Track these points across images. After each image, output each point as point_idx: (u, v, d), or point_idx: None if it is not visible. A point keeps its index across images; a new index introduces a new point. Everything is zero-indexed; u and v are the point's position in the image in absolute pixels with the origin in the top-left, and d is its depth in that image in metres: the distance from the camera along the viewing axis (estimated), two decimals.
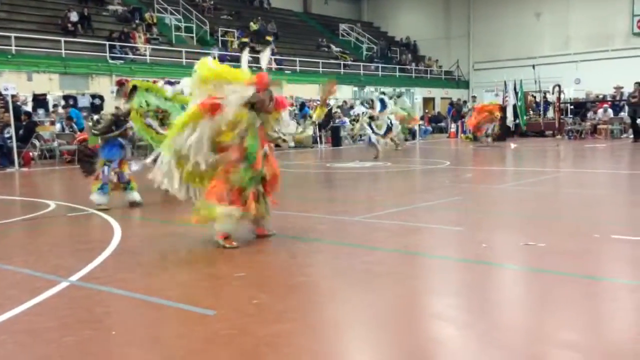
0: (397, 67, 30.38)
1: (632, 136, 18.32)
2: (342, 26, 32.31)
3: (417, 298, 3.70)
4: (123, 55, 19.85)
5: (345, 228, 5.91)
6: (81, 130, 14.64)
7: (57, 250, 5.23)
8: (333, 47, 29.58)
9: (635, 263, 4.44)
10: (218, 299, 3.66)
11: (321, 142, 20.98)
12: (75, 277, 4.13)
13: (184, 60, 21.39)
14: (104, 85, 18.41)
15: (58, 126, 15.83)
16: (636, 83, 18.53)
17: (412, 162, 14.02)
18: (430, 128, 25.10)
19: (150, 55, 20.58)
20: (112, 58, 19.39)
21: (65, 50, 18.35)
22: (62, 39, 18.54)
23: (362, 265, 4.43)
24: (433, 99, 30.64)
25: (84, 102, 17.78)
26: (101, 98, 17.66)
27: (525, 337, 3.02)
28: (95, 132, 7.51)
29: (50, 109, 17.03)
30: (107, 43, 19.50)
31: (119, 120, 7.44)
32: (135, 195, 7.50)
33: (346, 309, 3.49)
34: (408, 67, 31.01)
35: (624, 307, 3.51)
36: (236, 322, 3.24)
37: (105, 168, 7.31)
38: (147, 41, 21.26)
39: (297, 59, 25.30)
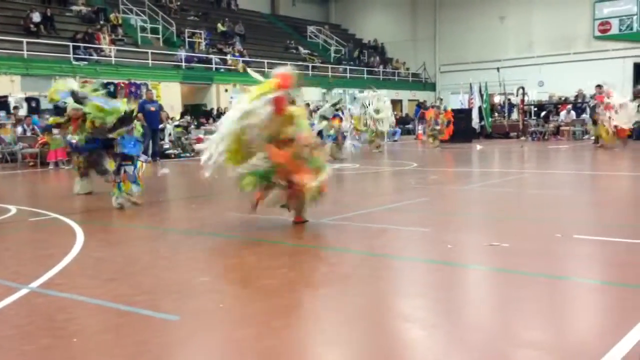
0: (365, 69, 30.55)
1: (593, 138, 18.76)
2: (310, 28, 32.36)
3: (383, 299, 3.71)
4: (87, 57, 19.51)
5: (311, 230, 5.91)
6: (45, 132, 14.37)
7: (18, 256, 5.10)
8: (301, 49, 29.60)
9: (596, 262, 4.54)
10: (182, 304, 3.61)
11: None
12: (35, 284, 4.03)
13: (150, 61, 21.15)
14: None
15: (20, 129, 15.46)
16: (597, 85, 18.99)
17: (380, 164, 14.10)
18: (399, 129, 25.31)
19: (115, 57, 20.28)
20: (76, 59, 19.05)
21: (27, 51, 17.97)
22: (24, 40, 18.14)
23: (328, 267, 4.43)
24: (401, 101, 30.90)
25: (47, 104, 17.38)
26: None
27: (490, 336, 3.06)
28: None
29: (11, 110, 16.62)
30: (71, 44, 19.15)
31: (126, 118, 7.57)
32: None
33: (313, 312, 3.48)
34: (376, 69, 31.22)
35: (585, 305, 3.58)
36: (201, 327, 3.20)
37: (129, 167, 7.31)
38: (112, 42, 20.94)
39: (265, 60, 25.22)
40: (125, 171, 7.28)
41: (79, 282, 4.14)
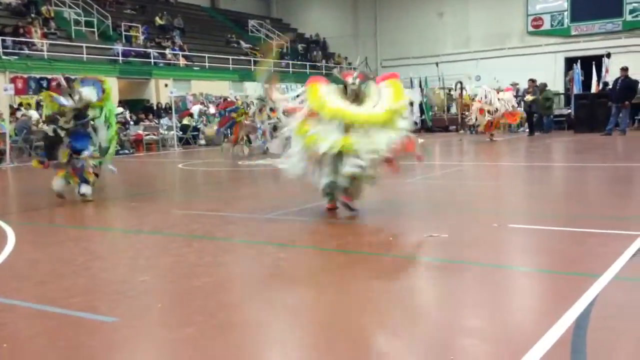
0: (308, 64, 30.56)
1: (527, 130, 19.41)
2: (252, 22, 32.08)
3: (326, 293, 3.72)
4: (17, 51, 18.69)
5: (255, 226, 5.86)
6: None
7: None
8: (243, 43, 29.31)
9: (530, 250, 4.69)
10: (120, 305, 3.51)
11: None
12: None
13: (84, 55, 20.46)
14: None
15: None
16: (530, 80, 19.66)
17: None
18: None
19: (47, 51, 19.50)
20: (5, 54, 18.20)
21: None
22: None
23: (271, 263, 4.40)
24: None
25: None
26: None
27: (431, 325, 3.11)
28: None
29: None
30: (0, 38, 18.30)
31: (80, 112, 7.51)
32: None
33: (255, 309, 3.45)
34: (319, 64, 31.27)
35: (520, 293, 3.70)
36: (139, 328, 3.12)
37: (80, 161, 7.39)
38: (44, 36, 20.14)
39: (206, 55, 24.86)
40: (73, 165, 7.41)
41: (10, 285, 3.96)
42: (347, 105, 5.76)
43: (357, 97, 5.89)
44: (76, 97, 7.54)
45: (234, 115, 15.73)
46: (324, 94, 5.79)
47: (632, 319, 3.06)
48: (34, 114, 16.96)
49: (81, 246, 5.13)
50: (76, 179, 7.55)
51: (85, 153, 7.52)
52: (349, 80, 5.97)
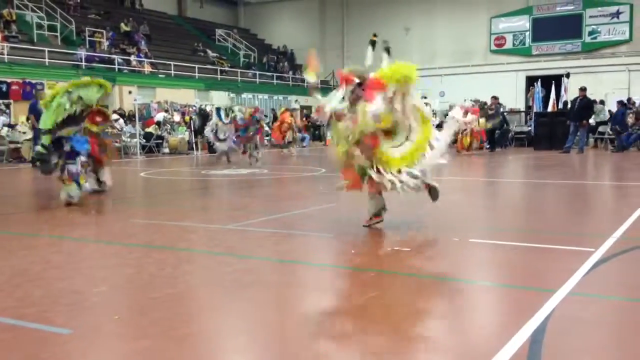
0: (275, 74, 30.57)
1: (488, 146, 19.79)
2: (219, 31, 31.97)
3: (288, 306, 3.70)
4: None
5: (216, 237, 5.81)
6: None
7: None
8: (209, 52, 29.17)
9: (490, 265, 4.77)
10: (75, 316, 3.42)
11: (197, 149, 20.57)
12: None
13: (46, 60, 20.08)
14: None
15: None
16: (493, 97, 20.09)
17: (288, 170, 14.14)
18: (308, 136, 25.52)
19: (8, 54, 19.09)
20: None
21: None
22: None
23: (232, 274, 4.36)
24: (310, 107, 31.17)
25: None
26: None
27: (388, 337, 3.12)
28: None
29: None
30: None
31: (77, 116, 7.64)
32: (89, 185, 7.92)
33: (214, 320, 3.41)
34: (285, 75, 31.32)
35: (479, 307, 3.75)
36: (94, 340, 3.05)
37: (76, 165, 7.53)
38: (5, 39, 19.70)
39: (172, 62, 24.65)
40: (68, 170, 7.50)
41: None
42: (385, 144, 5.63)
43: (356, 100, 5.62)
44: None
45: (261, 122, 15.74)
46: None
47: (587, 334, 3.13)
48: None
49: (37, 255, 4.99)
50: (71, 182, 7.57)
51: (82, 159, 7.68)
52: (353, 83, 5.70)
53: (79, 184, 7.62)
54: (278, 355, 2.91)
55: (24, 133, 16.37)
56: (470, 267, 4.72)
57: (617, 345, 3.03)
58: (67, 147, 7.58)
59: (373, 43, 6.39)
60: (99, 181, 8.70)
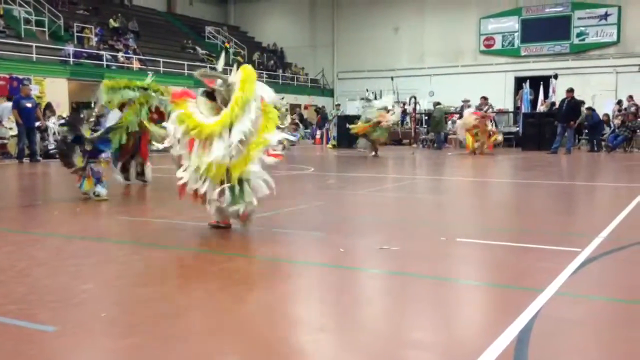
0: (265, 72, 30.51)
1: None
2: (208, 28, 31.85)
3: (275, 304, 3.69)
4: None
5: (205, 234, 5.78)
6: None
7: None
8: (199, 49, 29.04)
9: (476, 264, 4.78)
10: (61, 313, 3.39)
11: None
12: None
13: (34, 55, 19.90)
14: None
15: None
16: (482, 97, 20.16)
17: (276, 168, 14.08)
18: (297, 134, 25.48)
19: None
20: None
21: None
22: None
23: (220, 272, 4.35)
24: (299, 106, 31.18)
25: None
26: None
27: (378, 338, 3.12)
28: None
29: None
30: None
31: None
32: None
33: (202, 319, 3.39)
34: (275, 73, 31.27)
35: (466, 306, 3.76)
36: (80, 337, 3.03)
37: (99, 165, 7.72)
38: None
39: (161, 59, 24.52)
40: (91, 169, 7.62)
41: None
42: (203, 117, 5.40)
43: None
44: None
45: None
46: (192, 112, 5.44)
47: (573, 334, 3.15)
48: None
49: (22, 252, 4.95)
50: (91, 180, 7.71)
51: (103, 156, 7.81)
52: (217, 85, 5.70)
53: (101, 182, 7.76)
54: (263, 353, 2.90)
55: (10, 129, 16.21)
56: (456, 266, 4.73)
57: (602, 345, 3.05)
58: (88, 146, 7.69)
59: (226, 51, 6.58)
60: (138, 174, 9.37)
